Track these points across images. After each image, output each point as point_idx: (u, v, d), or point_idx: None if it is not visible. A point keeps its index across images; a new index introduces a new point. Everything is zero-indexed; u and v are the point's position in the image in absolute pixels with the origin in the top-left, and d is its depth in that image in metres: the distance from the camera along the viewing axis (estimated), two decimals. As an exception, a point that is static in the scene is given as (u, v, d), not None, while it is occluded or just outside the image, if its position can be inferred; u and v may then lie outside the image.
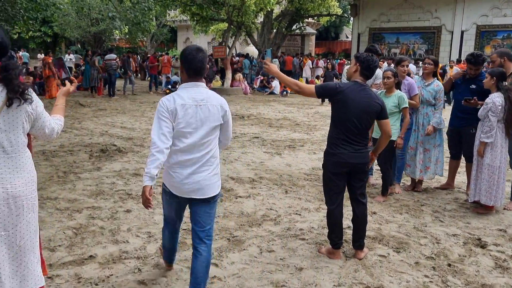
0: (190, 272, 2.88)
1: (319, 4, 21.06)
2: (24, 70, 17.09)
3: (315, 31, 32.03)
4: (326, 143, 3.70)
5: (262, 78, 20.49)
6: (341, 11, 29.54)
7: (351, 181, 3.69)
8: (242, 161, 7.10)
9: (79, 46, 36.84)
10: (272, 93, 18.71)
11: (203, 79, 2.91)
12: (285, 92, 18.08)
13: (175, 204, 2.94)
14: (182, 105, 2.70)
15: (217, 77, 20.03)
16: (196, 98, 2.73)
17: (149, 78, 20.73)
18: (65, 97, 2.81)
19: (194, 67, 2.77)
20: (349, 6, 40.02)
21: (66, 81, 2.83)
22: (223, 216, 4.65)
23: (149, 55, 23.49)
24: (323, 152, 3.77)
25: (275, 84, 18.95)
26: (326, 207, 3.77)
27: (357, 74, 3.62)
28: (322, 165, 3.74)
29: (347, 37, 42.07)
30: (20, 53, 24.42)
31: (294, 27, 25.18)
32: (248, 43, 32.19)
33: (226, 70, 18.20)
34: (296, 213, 4.82)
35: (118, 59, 16.58)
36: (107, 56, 16.28)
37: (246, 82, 18.97)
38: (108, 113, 12.10)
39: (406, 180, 6.09)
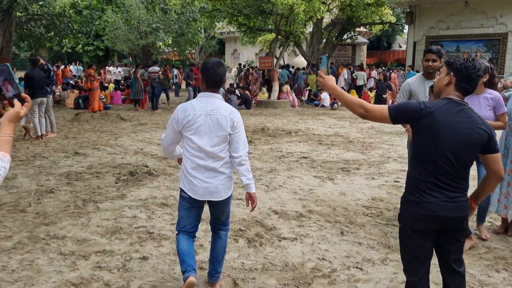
0: (210, 251, 3.28)
1: (372, 12, 19.74)
2: (72, 81, 16.88)
3: (367, 41, 30.56)
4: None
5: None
6: (395, 19, 27.98)
7: (443, 242, 2.55)
8: (288, 188, 6.04)
9: (130, 59, 37.26)
10: (322, 105, 17.56)
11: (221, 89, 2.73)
12: (335, 105, 16.87)
13: (193, 208, 3.08)
14: (193, 115, 2.90)
15: (264, 89, 19.13)
16: (207, 108, 2.91)
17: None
18: (12, 124, 1.84)
19: (214, 80, 2.97)
20: (403, 14, 38.38)
21: (15, 100, 1.86)
22: (262, 269, 3.62)
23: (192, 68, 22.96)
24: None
25: (325, 96, 17.79)
26: (405, 278, 2.64)
27: (451, 88, 2.49)
28: (399, 217, 2.62)
29: (400, 47, 40.16)
30: (71, 67, 24.59)
31: (345, 36, 23.93)
32: (296, 54, 31.22)
33: (273, 82, 17.27)
34: (357, 266, 3.71)
35: (161, 72, 16.06)
36: (151, 69, 15.82)
37: (293, 94, 17.91)
38: (148, 127, 11.43)
39: (493, 219, 4.82)
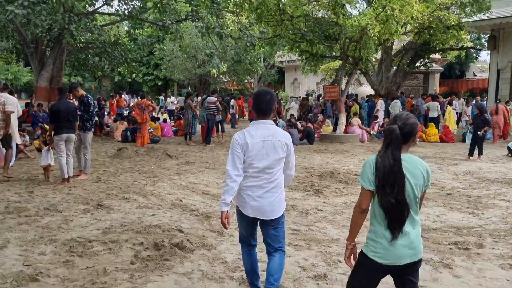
0: (266, 271, 3.28)
1: (453, 36, 17.21)
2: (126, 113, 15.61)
3: (441, 68, 27.69)
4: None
5: (382, 122, 17.04)
6: (472, 45, 25.09)
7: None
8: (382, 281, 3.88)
9: (189, 88, 36.66)
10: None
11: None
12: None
13: (245, 223, 3.31)
14: (251, 141, 3.11)
15: (328, 121, 17.03)
16: (263, 134, 3.13)
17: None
18: None
19: (261, 108, 3.19)
20: (478, 40, 35.10)
21: None
22: None
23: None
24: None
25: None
26: None
27: None
28: None
29: (475, 75, 36.67)
30: (124, 96, 23.84)
31: (417, 63, 21.43)
32: (360, 83, 28.93)
33: (339, 114, 15.15)
34: None
35: (218, 103, 14.44)
36: (208, 99, 14.21)
37: (364, 128, 15.63)
38: (195, 168, 9.66)
39: None
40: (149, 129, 14.08)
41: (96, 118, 15.38)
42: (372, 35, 12.33)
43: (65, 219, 5.57)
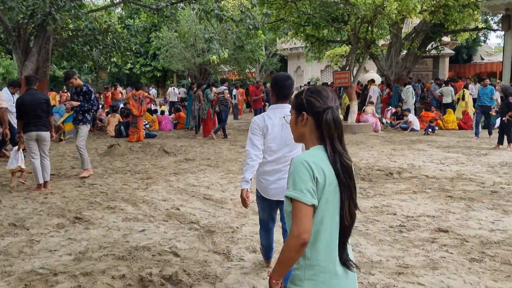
0: None
1: (469, 15, 15.88)
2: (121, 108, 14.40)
3: (452, 52, 26.29)
4: None
5: (394, 109, 15.80)
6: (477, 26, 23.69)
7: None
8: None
9: (189, 79, 35.29)
10: (412, 129, 13.93)
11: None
12: (430, 129, 13.18)
13: (266, 206, 3.37)
14: (271, 124, 3.11)
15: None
16: (281, 118, 3.03)
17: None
18: None
19: (283, 92, 3.16)
20: (486, 22, 33.62)
21: None
22: None
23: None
24: None
25: (413, 117, 14.13)
26: None
27: None
28: None
29: (482, 59, 35.25)
30: (120, 89, 22.62)
31: (429, 46, 20.11)
32: (366, 70, 27.59)
33: (350, 102, 13.91)
34: None
35: (227, 91, 13.33)
36: (218, 89, 13.11)
37: (378, 117, 14.38)
38: (195, 166, 8.46)
39: None
40: (145, 123, 12.86)
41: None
42: (389, 12, 11.02)
43: (30, 240, 4.40)
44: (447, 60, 26.53)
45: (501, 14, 21.36)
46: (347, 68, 13.94)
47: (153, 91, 25.37)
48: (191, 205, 5.67)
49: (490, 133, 12.18)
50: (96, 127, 14.29)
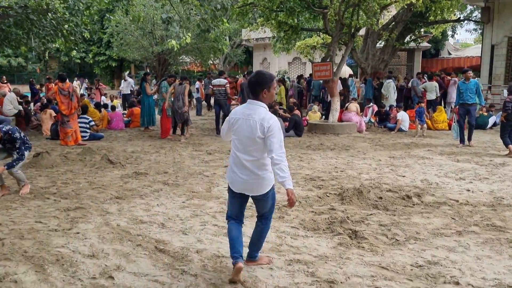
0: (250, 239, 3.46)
1: (457, 2, 14.31)
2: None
3: (429, 45, 24.98)
4: None
5: (376, 108, 14.06)
6: (459, 17, 22.41)
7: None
8: None
9: (148, 70, 32.50)
10: (399, 129, 12.20)
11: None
12: (419, 120, 11.38)
13: (233, 199, 3.37)
14: (235, 118, 3.26)
15: (315, 107, 13.88)
16: (244, 112, 3.21)
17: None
18: None
19: (248, 89, 3.37)
20: (465, 12, 32.70)
21: None
22: None
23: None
24: None
25: (402, 116, 12.40)
26: None
27: None
28: None
29: (450, 54, 34.44)
30: (75, 83, 19.88)
31: (407, 38, 18.56)
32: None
33: (331, 98, 12.00)
34: None
35: (228, 86, 11.46)
36: (216, 81, 11.54)
37: (363, 115, 12.56)
38: (146, 184, 6.26)
39: None
40: (89, 120, 10.40)
41: (21, 108, 11.62)
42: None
43: None
44: (420, 54, 25.24)
45: (480, 7, 20.15)
46: (328, 60, 11.99)
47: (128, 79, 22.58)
48: (133, 269, 3.51)
49: (470, 139, 9.84)
50: (31, 125, 11.73)
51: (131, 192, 5.78)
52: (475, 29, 45.32)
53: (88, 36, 14.51)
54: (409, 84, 18.32)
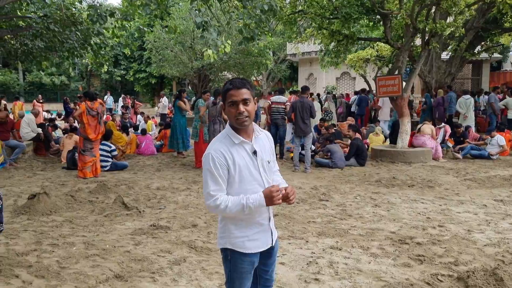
0: None
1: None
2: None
3: (501, 56, 22.18)
4: None
5: (449, 129, 11.63)
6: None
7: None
8: None
9: (190, 88, 31.17)
10: (485, 157, 9.76)
11: None
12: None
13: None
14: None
15: (377, 128, 11.66)
16: None
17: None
18: None
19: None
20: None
21: None
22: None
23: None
24: None
25: (499, 139, 9.88)
26: None
27: None
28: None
29: (514, 66, 31.09)
30: (108, 97, 18.66)
31: (478, 48, 16.04)
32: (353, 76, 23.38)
33: (401, 118, 9.77)
34: None
35: (288, 104, 9.73)
36: (275, 98, 9.98)
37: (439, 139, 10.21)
38: (168, 244, 4.33)
39: None
40: (110, 149, 8.68)
41: (39, 130, 10.15)
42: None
43: None
44: (488, 66, 22.40)
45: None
46: (397, 72, 9.80)
47: (109, 99, 21.26)
48: None
49: None
50: (50, 150, 10.22)
51: (140, 266, 3.87)
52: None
53: (129, 53, 13.11)
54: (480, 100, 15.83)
